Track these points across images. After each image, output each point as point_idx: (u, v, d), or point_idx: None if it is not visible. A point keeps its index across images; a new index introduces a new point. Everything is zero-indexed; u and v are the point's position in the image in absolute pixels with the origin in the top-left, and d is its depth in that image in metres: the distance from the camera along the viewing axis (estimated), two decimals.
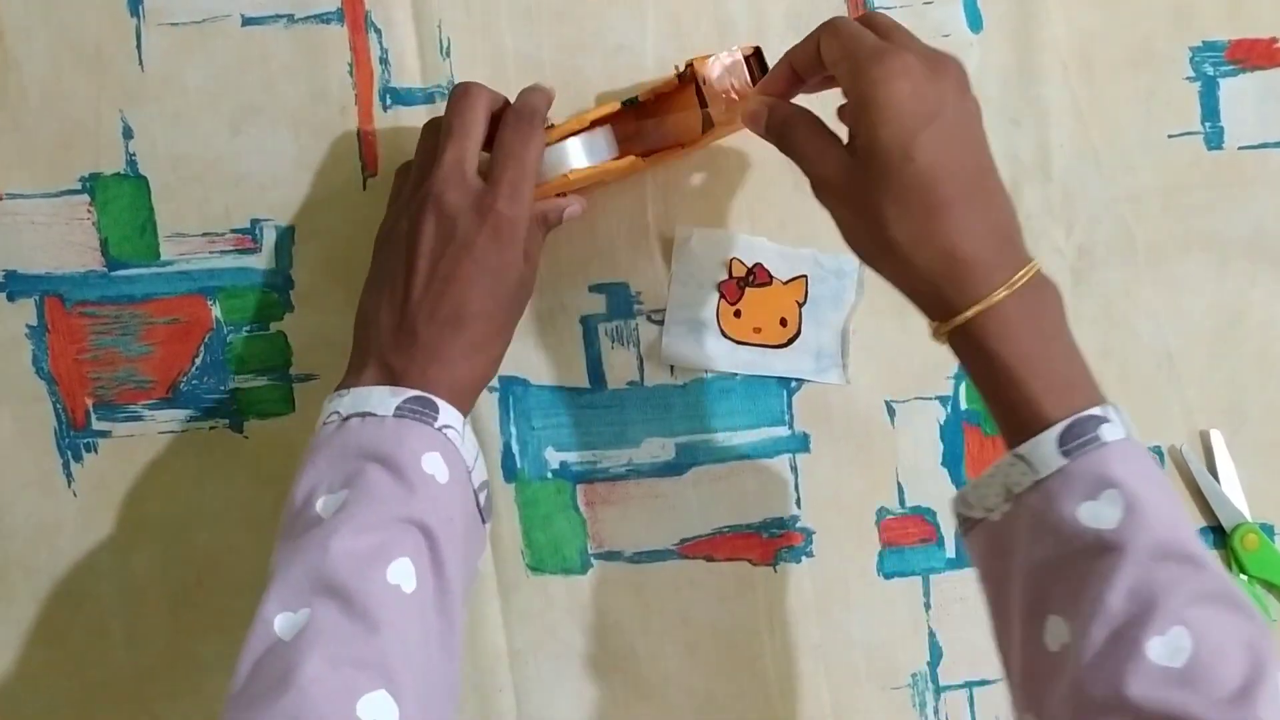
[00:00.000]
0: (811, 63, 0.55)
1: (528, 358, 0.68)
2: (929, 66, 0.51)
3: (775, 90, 0.58)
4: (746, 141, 0.68)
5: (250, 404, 0.68)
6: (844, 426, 0.69)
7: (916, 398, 0.70)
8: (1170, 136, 0.70)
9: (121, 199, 0.66)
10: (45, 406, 0.67)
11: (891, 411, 0.70)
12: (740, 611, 0.70)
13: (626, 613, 0.69)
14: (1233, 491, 0.70)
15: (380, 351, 0.57)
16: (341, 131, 0.67)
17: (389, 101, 0.67)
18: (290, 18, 0.66)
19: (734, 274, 0.68)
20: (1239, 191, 0.70)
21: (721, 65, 0.61)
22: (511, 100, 0.61)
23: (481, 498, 0.58)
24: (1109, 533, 0.47)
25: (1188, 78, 0.69)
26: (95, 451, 0.67)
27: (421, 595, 0.52)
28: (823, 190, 0.55)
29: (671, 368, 0.69)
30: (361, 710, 0.47)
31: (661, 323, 0.68)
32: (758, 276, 0.69)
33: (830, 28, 0.54)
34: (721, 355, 0.69)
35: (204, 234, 0.67)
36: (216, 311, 0.67)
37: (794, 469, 0.69)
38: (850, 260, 0.68)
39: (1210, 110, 0.70)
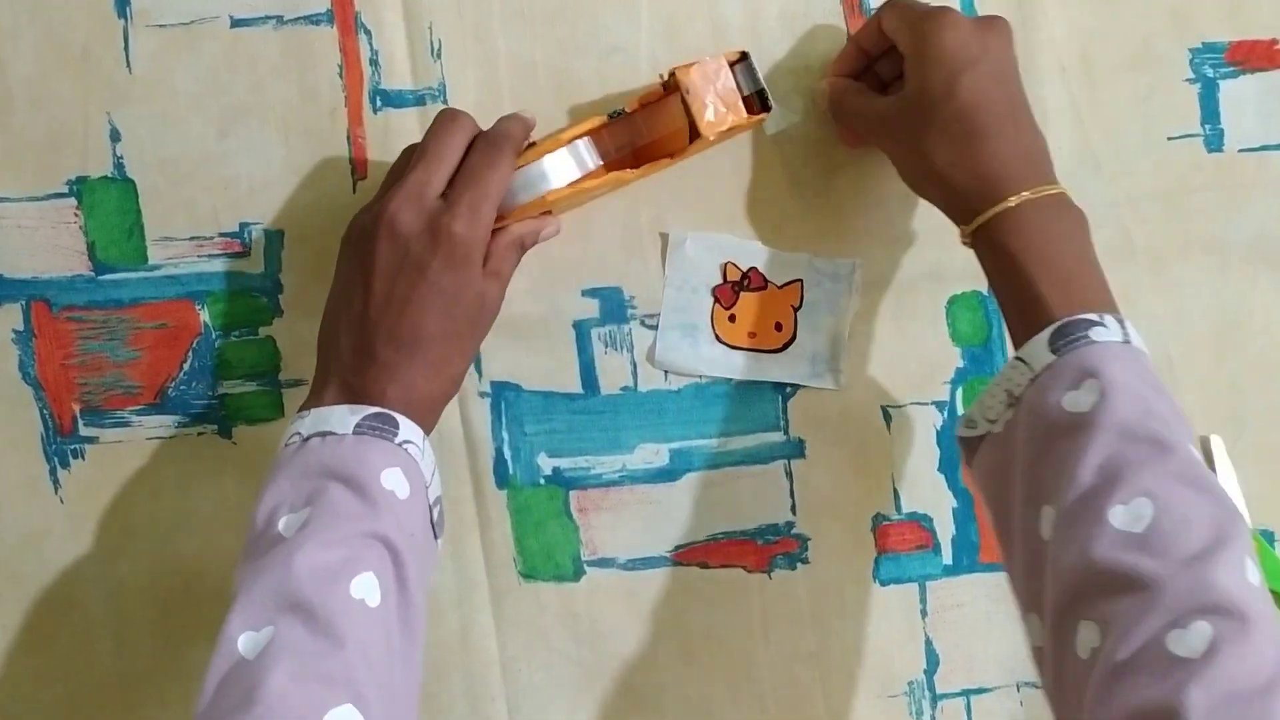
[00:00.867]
0: (875, 36, 0.63)
1: (520, 363, 0.68)
2: (976, 23, 0.59)
3: (845, 69, 0.65)
4: (741, 145, 0.67)
5: (239, 410, 0.67)
6: (840, 432, 0.69)
7: (913, 403, 0.69)
8: (1170, 139, 0.69)
9: (109, 202, 0.66)
10: (32, 412, 0.66)
11: (888, 417, 0.69)
12: (735, 619, 0.69)
13: (620, 620, 0.69)
14: (1233, 497, 0.69)
15: (341, 372, 0.58)
16: (331, 134, 0.66)
17: (379, 104, 0.66)
18: (279, 19, 0.66)
19: (729, 278, 0.68)
20: (1239, 194, 0.69)
21: (704, 73, 0.61)
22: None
23: (435, 513, 0.59)
24: (1083, 415, 0.51)
25: (1187, 79, 0.69)
26: (82, 458, 0.67)
27: (385, 610, 0.52)
28: (877, 131, 0.63)
29: (665, 373, 0.68)
30: None
31: (655, 327, 0.68)
32: (752, 281, 0.68)
33: (889, 4, 0.62)
34: (716, 360, 0.68)
35: (192, 238, 0.66)
36: (205, 316, 0.66)
37: (789, 475, 0.69)
38: (846, 264, 0.68)
39: (1210, 112, 0.69)
